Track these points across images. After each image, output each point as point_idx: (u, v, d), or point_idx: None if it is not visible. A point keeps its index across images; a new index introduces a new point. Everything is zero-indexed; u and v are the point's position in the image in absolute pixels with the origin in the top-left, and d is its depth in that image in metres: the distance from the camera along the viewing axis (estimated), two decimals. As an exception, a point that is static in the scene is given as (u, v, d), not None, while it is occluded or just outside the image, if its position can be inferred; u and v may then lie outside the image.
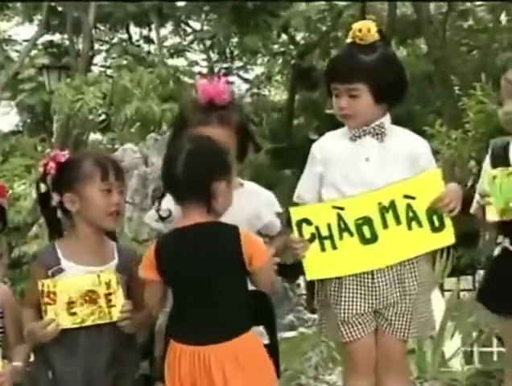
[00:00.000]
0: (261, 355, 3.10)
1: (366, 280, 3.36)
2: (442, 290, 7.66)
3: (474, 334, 6.36)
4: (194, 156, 3.04)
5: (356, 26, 3.38)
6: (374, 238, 3.36)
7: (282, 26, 19.01)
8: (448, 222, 3.32)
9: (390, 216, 3.34)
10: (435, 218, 3.32)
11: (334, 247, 3.38)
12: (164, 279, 3.06)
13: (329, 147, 3.47)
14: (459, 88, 18.16)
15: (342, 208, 3.36)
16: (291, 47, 21.76)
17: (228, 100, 3.36)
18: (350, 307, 3.36)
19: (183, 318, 3.08)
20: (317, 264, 3.40)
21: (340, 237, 3.37)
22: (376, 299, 3.35)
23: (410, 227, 3.33)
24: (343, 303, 3.37)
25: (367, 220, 3.35)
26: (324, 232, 3.38)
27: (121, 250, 3.42)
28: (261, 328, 3.34)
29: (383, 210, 3.34)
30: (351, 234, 3.36)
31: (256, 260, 3.05)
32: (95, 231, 3.34)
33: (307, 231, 3.39)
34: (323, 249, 3.38)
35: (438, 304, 5.98)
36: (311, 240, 3.38)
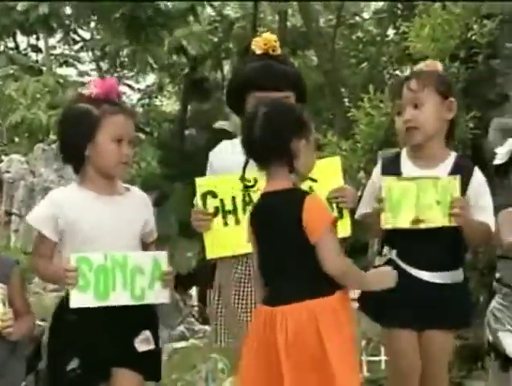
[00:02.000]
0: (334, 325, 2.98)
1: None
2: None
3: (362, 343, 6.43)
4: (270, 117, 3.03)
5: (265, 38, 3.42)
6: None
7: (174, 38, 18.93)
8: (346, 213, 3.34)
9: None
10: (334, 207, 3.34)
11: (237, 222, 3.34)
12: (255, 240, 3.11)
13: (227, 155, 3.45)
14: (349, 99, 18.46)
15: (249, 181, 3.32)
16: (183, 58, 21.69)
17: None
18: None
19: (261, 280, 3.11)
20: (218, 241, 3.35)
21: (244, 212, 3.33)
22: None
23: None
24: (248, 308, 3.35)
25: None
26: (229, 206, 3.34)
27: (0, 259, 3.44)
28: (147, 332, 3.31)
29: None
30: None
31: (312, 232, 2.98)
32: None
33: (211, 204, 3.34)
34: (225, 224, 3.34)
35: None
36: (215, 214, 3.34)
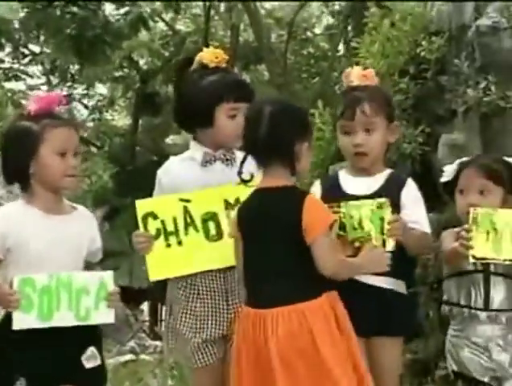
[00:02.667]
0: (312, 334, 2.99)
1: (220, 305, 3.33)
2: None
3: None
4: (277, 117, 3.04)
5: (215, 52, 3.47)
6: (220, 235, 3.34)
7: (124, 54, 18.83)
8: None
9: None
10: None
11: (179, 243, 3.33)
12: (242, 238, 3.09)
13: (176, 172, 3.44)
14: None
15: (189, 201, 3.31)
16: (134, 72, 21.60)
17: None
18: (202, 332, 3.32)
19: (247, 280, 3.10)
20: (161, 263, 3.34)
21: (186, 232, 3.33)
22: (228, 324, 3.33)
23: None
24: (195, 328, 3.33)
25: (213, 216, 3.33)
26: (170, 227, 3.33)
27: None
28: (93, 349, 3.29)
29: (229, 207, 3.34)
30: (197, 229, 3.33)
31: (310, 232, 2.99)
32: None
33: (153, 226, 3.33)
34: (168, 245, 3.33)
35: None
36: (157, 236, 3.33)
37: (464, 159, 3.55)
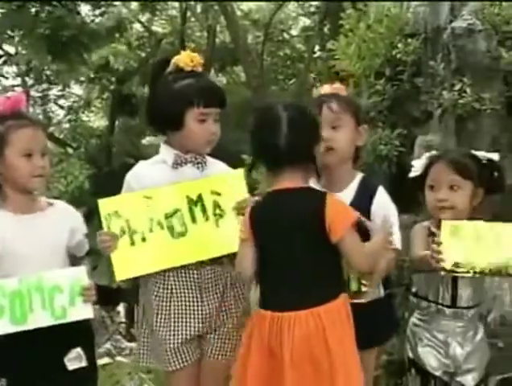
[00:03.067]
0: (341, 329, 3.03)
1: (195, 303, 3.32)
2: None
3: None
4: (296, 122, 3.05)
5: (190, 56, 3.47)
6: (184, 232, 3.33)
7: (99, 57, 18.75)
8: None
9: (198, 210, 3.34)
10: (239, 218, 3.34)
11: (144, 240, 3.31)
12: (255, 240, 3.08)
13: (147, 175, 3.42)
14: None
15: (152, 198, 3.31)
16: (110, 73, 21.52)
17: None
18: (179, 333, 3.31)
19: (264, 283, 3.08)
20: (127, 262, 3.32)
21: (151, 230, 3.31)
22: (203, 323, 3.32)
23: (217, 225, 3.34)
24: (171, 329, 3.31)
25: (177, 213, 3.33)
26: (134, 225, 3.31)
27: None
28: (79, 350, 3.27)
29: (191, 203, 3.34)
30: (161, 226, 3.32)
31: (336, 230, 2.99)
32: None
33: (117, 225, 3.31)
34: (132, 244, 3.31)
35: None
36: (121, 234, 3.31)
37: (433, 153, 3.55)
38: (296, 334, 2.95)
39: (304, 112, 3.15)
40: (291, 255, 3.03)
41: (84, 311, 3.30)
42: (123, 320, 14.83)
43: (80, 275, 3.30)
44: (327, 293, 3.04)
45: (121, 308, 15.09)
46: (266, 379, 3.00)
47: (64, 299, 3.26)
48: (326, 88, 3.64)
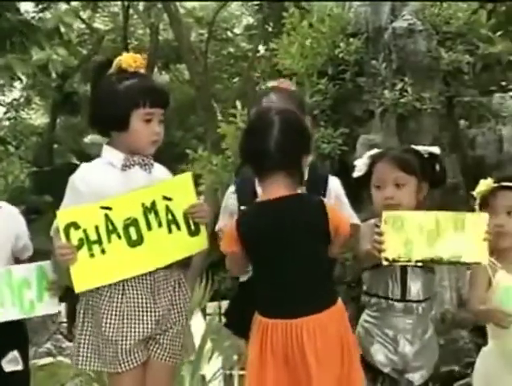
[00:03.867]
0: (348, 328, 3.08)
1: (147, 305, 3.30)
2: (204, 314, 7.72)
3: (234, 357, 6.45)
4: (287, 129, 3.04)
5: (134, 57, 3.45)
6: (140, 240, 3.32)
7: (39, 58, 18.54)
8: (202, 228, 3.34)
9: (152, 218, 3.32)
10: (191, 222, 3.34)
11: (103, 251, 3.28)
12: (247, 251, 3.06)
13: (95, 178, 3.39)
14: (221, 114, 18.56)
15: (110, 208, 3.28)
16: (51, 71, 21.30)
17: None
18: (131, 335, 3.28)
19: (270, 292, 3.06)
20: (86, 273, 3.28)
21: (109, 240, 3.28)
22: (156, 324, 3.30)
23: (170, 230, 3.33)
24: (123, 331, 3.28)
25: (133, 221, 3.31)
26: (93, 236, 3.27)
27: None
28: (15, 353, 3.24)
29: (146, 211, 3.32)
30: (119, 236, 3.29)
31: (343, 229, 3.07)
32: None
33: (75, 236, 3.27)
34: (92, 255, 3.28)
35: (199, 328, 6.01)
36: (80, 246, 3.28)
37: (374, 152, 3.59)
38: (318, 338, 2.98)
39: (297, 122, 3.15)
40: (298, 262, 3.04)
41: (51, 306, 3.33)
42: (64, 320, 14.70)
43: (47, 269, 3.32)
44: (333, 295, 3.11)
45: (62, 308, 14.96)
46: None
47: (32, 294, 3.28)
48: (274, 84, 3.62)
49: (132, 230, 3.31)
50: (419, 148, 3.51)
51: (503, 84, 8.03)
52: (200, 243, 3.37)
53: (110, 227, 3.28)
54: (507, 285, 3.32)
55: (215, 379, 6.02)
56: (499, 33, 7.47)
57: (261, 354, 3.04)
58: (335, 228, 3.05)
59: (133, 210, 3.30)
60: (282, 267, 3.06)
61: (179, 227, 3.34)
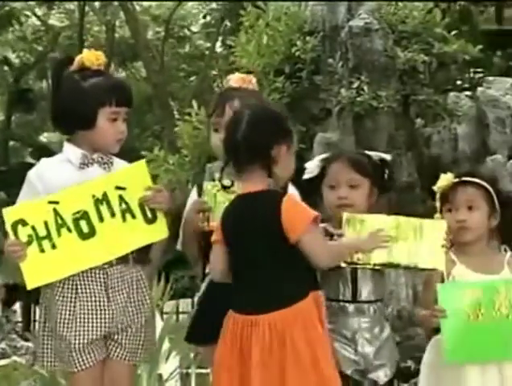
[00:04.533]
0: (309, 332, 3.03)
1: (101, 302, 3.27)
2: (162, 313, 7.69)
3: (191, 356, 6.43)
4: (254, 120, 3.06)
5: (96, 54, 3.41)
6: (92, 232, 3.29)
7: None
8: (160, 215, 3.31)
9: (104, 209, 3.29)
10: (147, 209, 3.31)
11: (53, 246, 3.25)
12: (225, 242, 3.10)
13: (51, 176, 3.35)
14: (178, 113, 18.51)
15: (58, 202, 3.25)
16: (6, 67, 21.09)
17: None
18: (84, 333, 3.25)
19: (236, 287, 3.09)
20: (37, 269, 3.24)
21: (59, 234, 3.25)
22: (111, 322, 3.28)
23: (124, 219, 3.30)
24: (76, 329, 3.25)
25: (84, 214, 3.28)
26: (42, 232, 3.24)
27: None
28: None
29: (97, 202, 3.29)
30: (69, 230, 3.26)
31: (293, 231, 2.99)
32: None
33: (24, 233, 3.24)
34: (42, 251, 3.25)
35: (157, 327, 5.98)
36: (29, 242, 3.25)
37: (326, 155, 3.60)
38: (266, 337, 2.95)
39: (266, 113, 3.16)
40: (254, 258, 3.04)
41: None
42: (19, 319, 14.56)
43: None
44: (298, 293, 3.05)
45: (17, 307, 14.82)
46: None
47: None
48: (235, 78, 3.60)
49: (83, 223, 3.28)
50: (372, 153, 3.54)
51: (458, 82, 8.11)
52: (159, 231, 3.33)
53: (60, 221, 3.25)
54: (443, 284, 3.34)
55: (172, 379, 6.01)
56: (454, 32, 7.54)
57: (223, 348, 3.05)
58: (288, 226, 3.01)
59: (82, 202, 3.27)
60: (241, 262, 3.08)
61: (134, 216, 3.32)
